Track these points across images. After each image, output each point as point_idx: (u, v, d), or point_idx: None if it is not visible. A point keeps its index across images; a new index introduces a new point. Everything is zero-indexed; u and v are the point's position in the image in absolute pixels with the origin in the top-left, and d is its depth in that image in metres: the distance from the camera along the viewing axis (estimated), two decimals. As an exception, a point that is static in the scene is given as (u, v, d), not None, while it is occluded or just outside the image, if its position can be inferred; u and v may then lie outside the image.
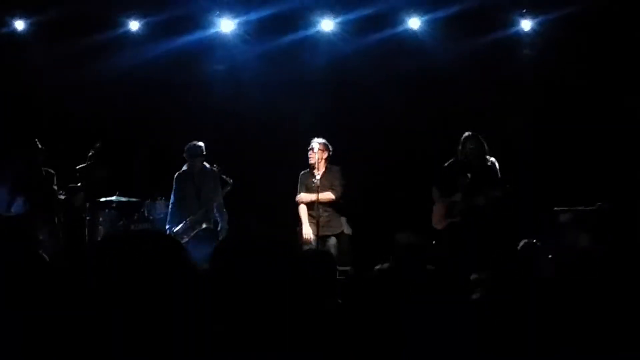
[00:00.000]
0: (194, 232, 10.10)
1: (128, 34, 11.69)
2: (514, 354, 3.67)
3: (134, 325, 3.19)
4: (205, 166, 10.42)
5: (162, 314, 3.21)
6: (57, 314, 3.72)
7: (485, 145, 9.77)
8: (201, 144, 10.33)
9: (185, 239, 9.79)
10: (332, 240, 10.02)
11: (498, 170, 9.84)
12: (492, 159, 10.43)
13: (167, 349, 3.16)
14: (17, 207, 9.59)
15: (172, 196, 10.37)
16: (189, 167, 10.37)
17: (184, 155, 10.36)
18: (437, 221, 9.71)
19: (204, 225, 10.19)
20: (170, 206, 10.42)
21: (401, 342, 3.19)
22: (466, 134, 9.75)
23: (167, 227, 10.22)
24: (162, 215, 10.79)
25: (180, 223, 10.23)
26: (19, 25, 11.51)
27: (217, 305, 3.72)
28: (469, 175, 9.59)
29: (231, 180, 10.72)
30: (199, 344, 3.29)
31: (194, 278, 3.45)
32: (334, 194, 10.04)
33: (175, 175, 10.40)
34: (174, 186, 10.37)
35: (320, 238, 9.96)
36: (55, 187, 9.92)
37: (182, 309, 3.30)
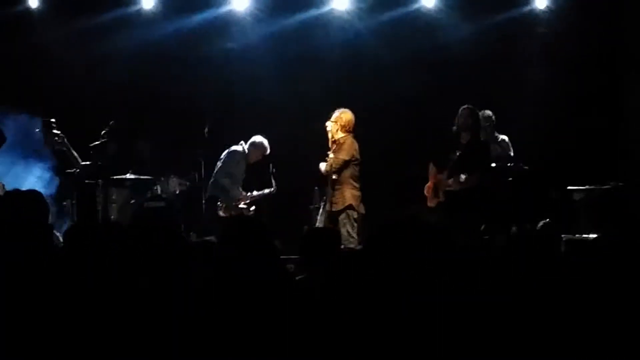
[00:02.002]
0: None
1: (141, 11, 11.66)
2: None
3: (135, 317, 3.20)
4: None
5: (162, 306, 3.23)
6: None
7: (478, 120, 9.54)
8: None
9: None
10: (341, 217, 9.79)
11: (489, 149, 9.63)
12: (504, 137, 10.40)
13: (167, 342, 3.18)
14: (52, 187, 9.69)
15: None
16: None
17: None
18: (428, 199, 9.62)
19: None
20: None
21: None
22: (461, 108, 9.57)
23: None
24: (176, 193, 10.84)
25: None
26: (33, 2, 11.51)
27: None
28: (457, 152, 9.43)
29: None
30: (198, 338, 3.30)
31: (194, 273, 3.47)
32: (327, 166, 9.80)
33: None
34: None
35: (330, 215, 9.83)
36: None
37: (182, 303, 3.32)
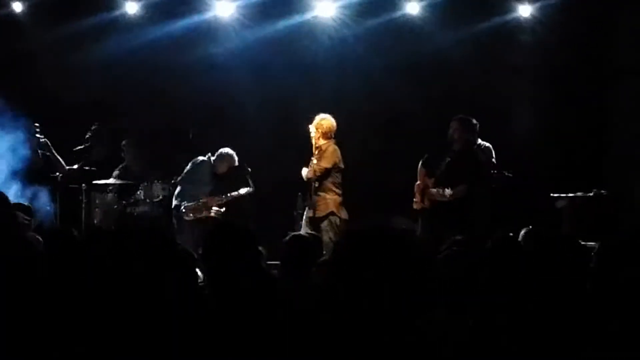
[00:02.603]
0: None
1: (125, 16, 11.63)
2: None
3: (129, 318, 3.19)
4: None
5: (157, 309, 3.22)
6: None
7: (469, 130, 9.58)
8: None
9: None
10: (323, 224, 9.85)
11: (480, 160, 9.65)
12: (486, 144, 10.41)
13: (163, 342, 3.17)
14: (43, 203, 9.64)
15: None
16: None
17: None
18: (415, 201, 9.65)
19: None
20: None
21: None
22: (453, 119, 9.63)
23: None
24: (159, 198, 10.80)
25: None
26: (17, 7, 11.47)
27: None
28: (448, 160, 9.46)
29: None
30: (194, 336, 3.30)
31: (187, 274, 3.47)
32: (309, 173, 9.84)
33: None
34: None
35: (312, 220, 9.86)
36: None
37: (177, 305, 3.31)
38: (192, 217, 10.36)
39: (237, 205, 10.76)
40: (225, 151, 10.69)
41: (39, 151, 9.82)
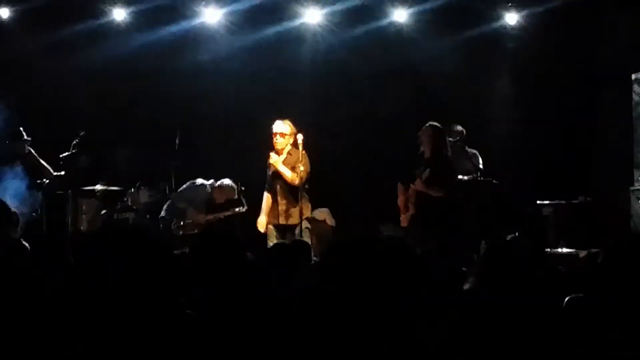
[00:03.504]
0: None
1: (113, 23, 11.61)
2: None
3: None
4: None
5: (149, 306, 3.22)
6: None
7: (438, 136, 9.56)
8: None
9: None
10: (297, 230, 9.61)
11: (452, 164, 9.64)
12: (473, 151, 10.43)
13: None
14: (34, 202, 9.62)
15: None
16: None
17: None
18: (402, 219, 9.59)
19: None
20: None
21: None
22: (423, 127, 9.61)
23: None
24: (146, 205, 10.79)
25: None
26: (3, 13, 11.43)
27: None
28: (422, 168, 9.46)
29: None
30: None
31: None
32: (295, 179, 9.57)
33: None
34: None
35: (285, 227, 9.74)
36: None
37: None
38: (182, 233, 10.34)
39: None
40: (227, 183, 10.64)
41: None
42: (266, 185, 9.85)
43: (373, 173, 11.54)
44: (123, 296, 3.19)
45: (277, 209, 9.70)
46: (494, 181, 10.46)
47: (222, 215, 10.57)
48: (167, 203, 10.63)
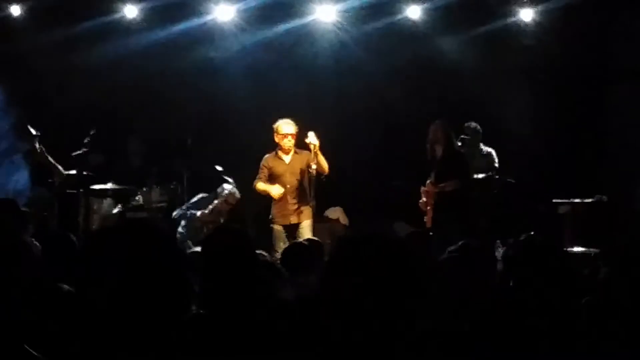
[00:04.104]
0: None
1: (124, 20, 11.56)
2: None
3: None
4: None
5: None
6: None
7: (447, 131, 9.53)
8: None
9: None
10: (304, 223, 9.67)
11: (465, 158, 9.62)
12: (488, 149, 10.38)
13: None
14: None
15: None
16: None
17: None
18: (427, 218, 9.58)
19: None
20: None
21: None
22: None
23: None
24: (158, 204, 10.76)
25: None
26: (15, 10, 11.40)
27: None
28: (434, 167, 9.46)
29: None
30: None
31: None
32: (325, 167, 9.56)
33: None
34: None
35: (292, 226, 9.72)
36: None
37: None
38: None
39: (234, 211, 10.74)
40: (227, 190, 10.72)
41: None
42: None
43: (387, 171, 11.48)
44: (136, 294, 3.14)
45: (288, 208, 9.63)
46: (509, 179, 10.39)
47: (217, 203, 10.72)
48: (181, 224, 10.64)
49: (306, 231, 9.52)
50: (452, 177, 9.25)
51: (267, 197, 9.93)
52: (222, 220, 10.57)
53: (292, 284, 5.19)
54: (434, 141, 9.46)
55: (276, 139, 9.80)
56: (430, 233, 9.16)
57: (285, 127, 9.73)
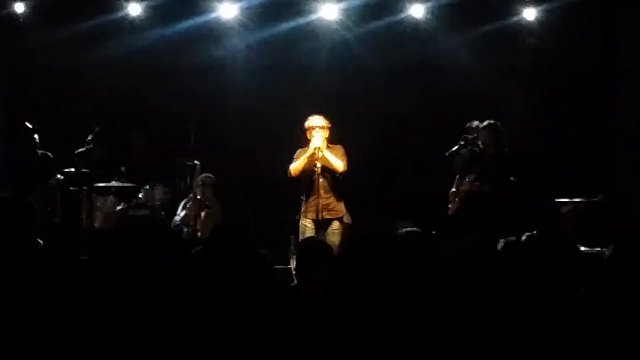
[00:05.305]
0: None
1: (127, 18, 11.57)
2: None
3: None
4: None
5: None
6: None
7: (501, 135, 9.61)
8: None
9: None
10: (335, 225, 9.48)
11: (510, 164, 9.71)
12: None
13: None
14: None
15: None
16: None
17: None
18: (451, 206, 9.74)
19: None
20: None
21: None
22: (484, 123, 9.64)
23: None
24: (160, 202, 10.77)
25: None
26: (18, 7, 11.41)
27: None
28: (479, 164, 9.52)
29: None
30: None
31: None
32: (340, 165, 9.44)
33: None
34: None
35: (322, 222, 9.49)
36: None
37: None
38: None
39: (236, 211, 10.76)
40: (199, 178, 10.78)
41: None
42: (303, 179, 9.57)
43: (389, 169, 11.48)
44: (141, 293, 3.15)
45: (320, 203, 9.46)
46: (512, 178, 10.38)
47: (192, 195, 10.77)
48: (183, 215, 10.67)
49: (335, 237, 9.39)
50: (492, 178, 9.39)
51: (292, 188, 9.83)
52: (207, 203, 10.61)
53: (301, 283, 5.20)
54: (486, 144, 9.55)
55: (308, 136, 9.64)
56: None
57: (314, 120, 9.53)
